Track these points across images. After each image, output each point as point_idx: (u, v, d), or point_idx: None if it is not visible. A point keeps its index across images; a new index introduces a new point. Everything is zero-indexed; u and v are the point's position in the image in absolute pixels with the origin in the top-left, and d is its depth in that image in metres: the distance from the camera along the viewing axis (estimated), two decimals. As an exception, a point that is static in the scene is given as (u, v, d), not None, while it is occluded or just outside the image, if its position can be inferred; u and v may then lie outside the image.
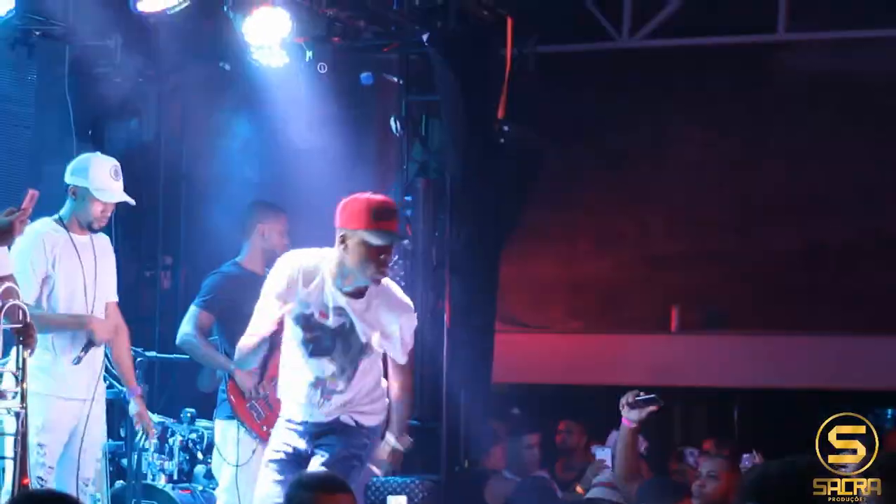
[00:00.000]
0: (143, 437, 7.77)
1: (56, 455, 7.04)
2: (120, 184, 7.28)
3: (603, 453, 8.17)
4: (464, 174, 9.62)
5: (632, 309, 11.89)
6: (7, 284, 6.24)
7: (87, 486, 7.18)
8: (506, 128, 9.85)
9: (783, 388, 11.32)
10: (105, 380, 7.59)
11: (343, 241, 6.11)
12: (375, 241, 6.08)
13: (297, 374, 6.32)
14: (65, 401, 7.04)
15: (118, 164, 7.35)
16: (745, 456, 8.02)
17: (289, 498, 4.83)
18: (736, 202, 11.76)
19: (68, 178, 7.25)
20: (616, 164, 11.68)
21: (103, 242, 7.39)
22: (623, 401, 6.73)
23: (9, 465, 6.29)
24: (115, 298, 7.47)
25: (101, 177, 7.23)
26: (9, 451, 6.25)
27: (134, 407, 7.63)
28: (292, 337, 6.28)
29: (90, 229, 7.26)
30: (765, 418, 6.85)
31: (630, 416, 6.72)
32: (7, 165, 8.91)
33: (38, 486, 6.63)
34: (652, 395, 6.70)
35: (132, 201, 7.36)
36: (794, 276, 11.62)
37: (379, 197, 6.23)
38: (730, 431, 7.72)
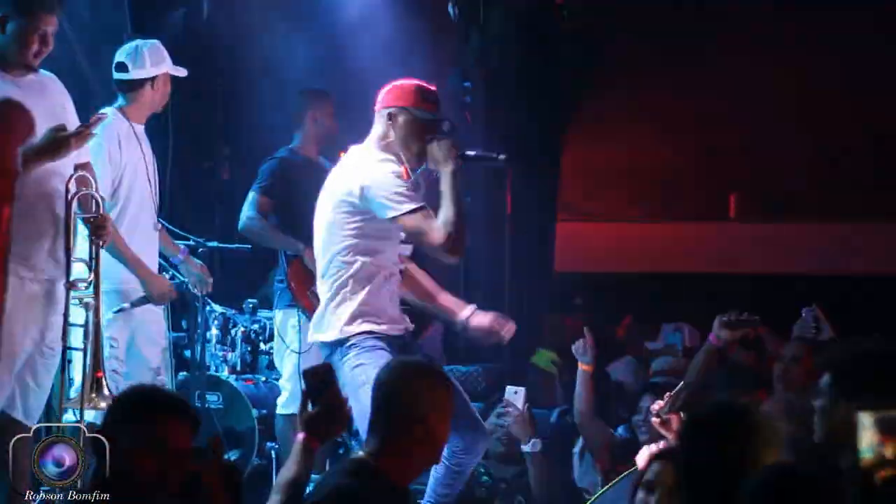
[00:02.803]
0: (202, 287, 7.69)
1: (125, 348, 7.01)
2: None
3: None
4: (523, 60, 9.49)
5: (691, 197, 11.79)
6: (81, 173, 6.20)
7: (158, 375, 7.15)
8: (565, 13, 9.68)
9: (841, 275, 11.25)
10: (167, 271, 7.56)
11: (391, 118, 6.10)
12: (424, 116, 6.09)
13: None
14: (125, 294, 6.99)
15: None
16: None
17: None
18: (794, 89, 11.59)
19: (141, 73, 7.13)
20: (674, 50, 11.50)
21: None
22: (720, 319, 6.46)
23: (77, 357, 6.26)
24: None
25: (168, 57, 7.21)
26: (78, 342, 6.22)
27: (186, 266, 7.56)
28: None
29: (162, 112, 7.26)
30: (824, 305, 6.83)
31: (720, 334, 6.40)
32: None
33: (113, 379, 6.62)
34: (756, 318, 6.47)
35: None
36: (852, 164, 11.50)
37: (423, 82, 6.22)
38: (788, 318, 7.65)
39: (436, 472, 6.18)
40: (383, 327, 6.07)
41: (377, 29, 9.86)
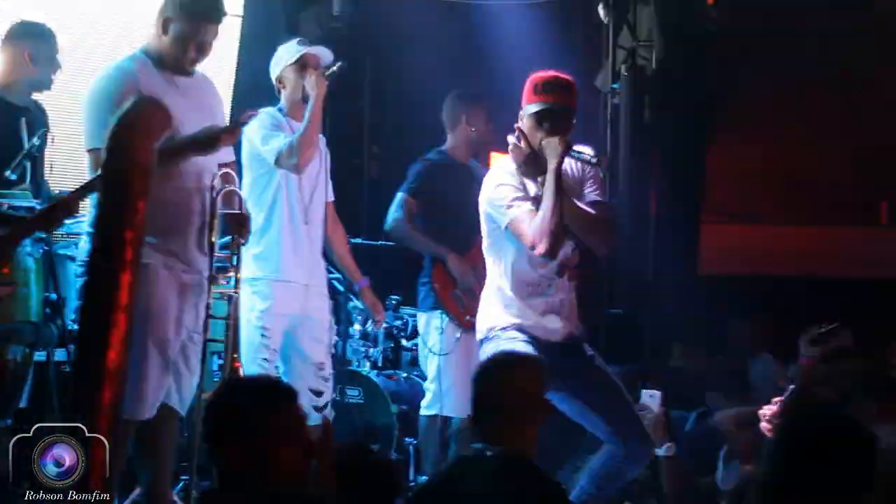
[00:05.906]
0: (372, 324, 8.16)
1: (279, 339, 7.12)
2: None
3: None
4: (671, 61, 9.42)
5: (840, 201, 11.59)
6: (226, 170, 6.34)
7: (321, 370, 7.27)
8: (715, 13, 9.60)
9: None
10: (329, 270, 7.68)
11: (518, 119, 6.16)
12: (534, 108, 6.06)
13: None
14: (284, 284, 7.11)
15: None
16: None
17: None
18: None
19: (277, 71, 7.25)
20: (827, 49, 11.31)
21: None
22: (805, 337, 6.43)
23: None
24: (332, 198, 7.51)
25: (294, 46, 7.25)
26: (219, 334, 6.37)
27: (367, 297, 7.79)
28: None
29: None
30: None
31: (810, 353, 6.47)
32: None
33: (263, 369, 6.88)
34: (835, 325, 6.43)
35: (329, 53, 7.27)
36: None
37: (547, 73, 6.15)
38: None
39: (590, 470, 6.18)
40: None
41: (527, 31, 9.91)
